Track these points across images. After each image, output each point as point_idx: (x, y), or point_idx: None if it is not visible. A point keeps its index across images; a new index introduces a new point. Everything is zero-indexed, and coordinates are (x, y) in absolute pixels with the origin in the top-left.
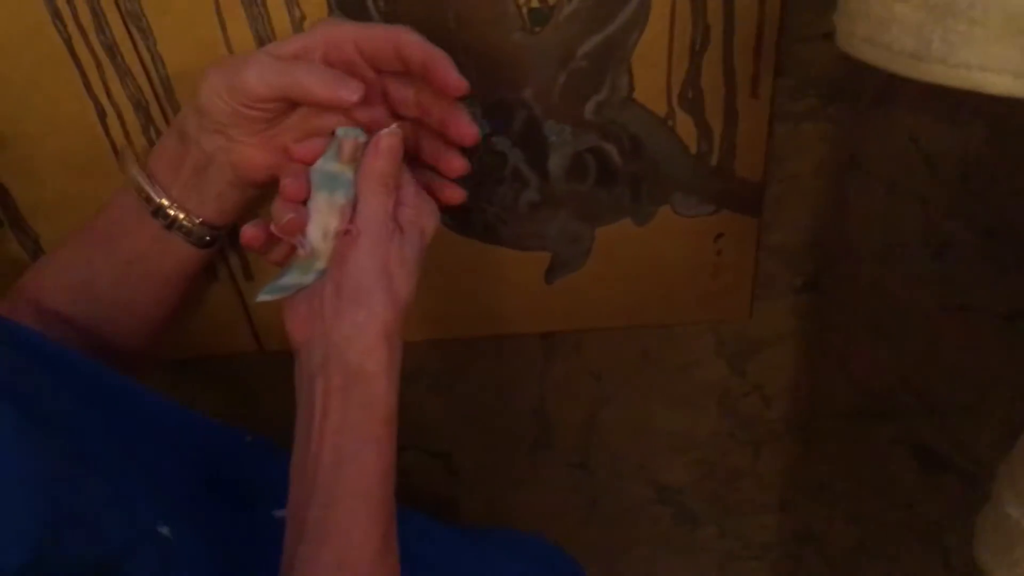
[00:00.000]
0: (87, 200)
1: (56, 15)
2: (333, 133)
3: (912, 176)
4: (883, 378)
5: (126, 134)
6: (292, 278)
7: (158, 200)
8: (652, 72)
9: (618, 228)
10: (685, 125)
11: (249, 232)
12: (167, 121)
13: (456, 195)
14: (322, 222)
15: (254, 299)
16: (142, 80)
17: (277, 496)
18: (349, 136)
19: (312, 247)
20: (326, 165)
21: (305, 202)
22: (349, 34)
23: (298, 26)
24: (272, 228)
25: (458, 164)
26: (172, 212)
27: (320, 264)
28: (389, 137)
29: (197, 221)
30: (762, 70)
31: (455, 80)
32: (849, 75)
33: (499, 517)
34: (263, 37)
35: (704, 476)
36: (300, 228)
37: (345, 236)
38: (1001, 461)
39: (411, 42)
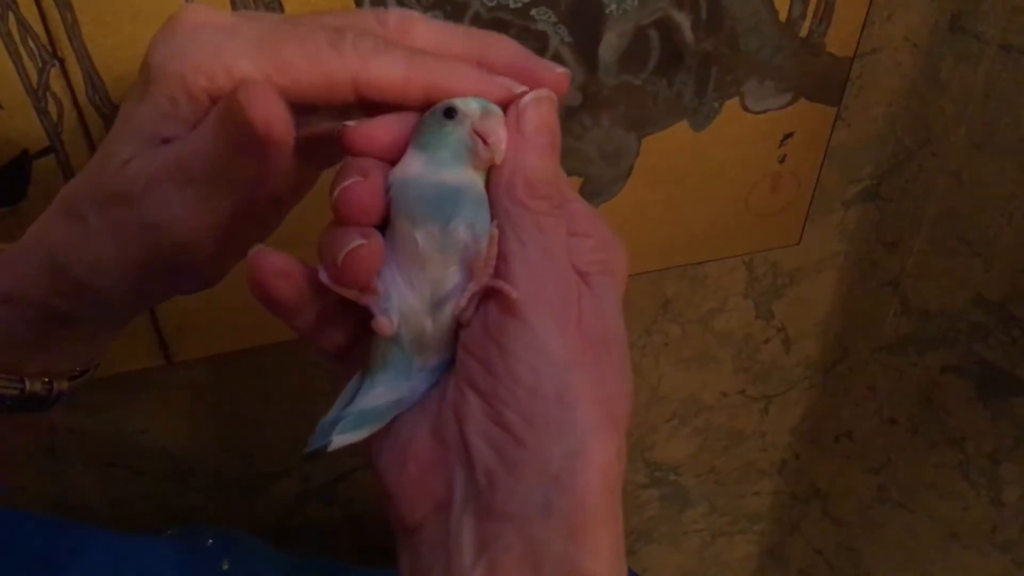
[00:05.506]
0: None
1: None
2: (423, 111)
3: None
4: (952, 295)
5: None
6: (380, 394)
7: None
8: None
9: (669, 136)
10: None
11: (290, 274)
12: None
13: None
14: (430, 276)
15: (309, 448)
16: None
17: None
18: (490, 112)
19: (405, 323)
20: (439, 171)
21: (381, 229)
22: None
23: None
24: (320, 276)
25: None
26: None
27: (432, 355)
28: (538, 106)
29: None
30: None
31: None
32: None
33: None
34: None
35: (702, 447)
36: (375, 269)
37: (489, 300)
38: None
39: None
